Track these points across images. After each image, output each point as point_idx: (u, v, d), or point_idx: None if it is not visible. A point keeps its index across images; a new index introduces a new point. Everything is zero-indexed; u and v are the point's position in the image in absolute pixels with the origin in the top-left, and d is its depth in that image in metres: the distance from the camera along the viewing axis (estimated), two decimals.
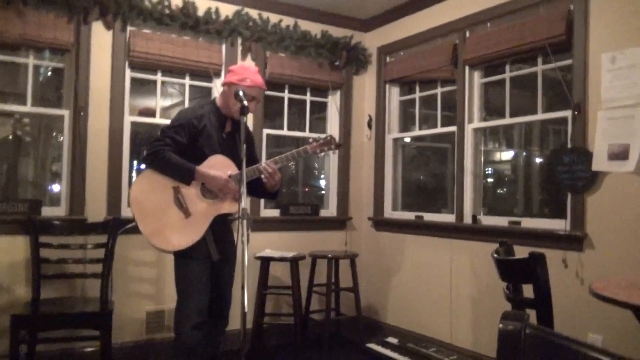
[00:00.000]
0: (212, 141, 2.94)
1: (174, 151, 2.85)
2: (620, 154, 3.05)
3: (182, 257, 2.91)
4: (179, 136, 2.86)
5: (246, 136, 2.69)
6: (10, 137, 4.01)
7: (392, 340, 3.55)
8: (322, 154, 3.08)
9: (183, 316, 2.86)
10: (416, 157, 5.24)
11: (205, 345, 2.91)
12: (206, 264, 2.92)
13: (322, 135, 3.08)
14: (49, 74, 4.18)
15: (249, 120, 3.76)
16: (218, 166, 2.90)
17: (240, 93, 2.73)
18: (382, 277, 4.82)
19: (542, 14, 3.54)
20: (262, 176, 2.98)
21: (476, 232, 3.95)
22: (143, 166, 3.05)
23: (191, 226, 2.87)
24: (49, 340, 3.44)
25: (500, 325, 0.94)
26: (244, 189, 2.41)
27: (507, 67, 3.89)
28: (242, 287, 2.19)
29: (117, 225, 3.67)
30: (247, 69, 3.03)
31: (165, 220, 2.85)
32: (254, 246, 4.26)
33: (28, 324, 3.24)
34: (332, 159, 5.01)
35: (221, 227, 3.00)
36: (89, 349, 3.73)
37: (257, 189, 3.10)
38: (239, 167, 2.75)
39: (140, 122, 4.20)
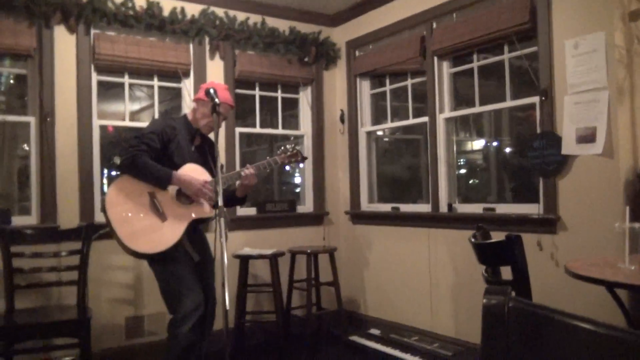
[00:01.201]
0: (182, 151, 3.04)
1: (149, 157, 2.89)
2: (587, 137, 3.12)
3: (164, 261, 2.91)
4: (153, 143, 2.93)
5: (212, 149, 2.88)
6: None
7: (375, 331, 3.58)
8: (290, 166, 3.21)
9: (180, 317, 2.84)
10: (390, 150, 5.27)
11: (199, 345, 2.94)
12: (190, 264, 2.96)
13: (289, 147, 3.25)
14: (12, 81, 4.08)
15: None
16: (193, 173, 2.98)
17: (212, 91, 2.72)
18: (362, 270, 4.85)
19: (506, 3, 3.59)
20: (243, 173, 3.07)
21: (452, 221, 4.00)
22: (115, 173, 3.07)
23: (168, 230, 2.90)
24: (27, 351, 3.35)
25: (484, 300, 0.96)
26: (220, 189, 2.40)
27: (475, 57, 3.94)
28: (223, 286, 2.17)
29: (91, 231, 3.62)
30: (216, 86, 3.09)
31: (142, 224, 2.86)
32: (232, 245, 4.24)
33: (3, 335, 3.17)
34: (307, 154, 5.00)
35: (196, 232, 3.09)
36: (68, 358, 3.66)
37: (225, 196, 3.14)
38: (212, 176, 3.00)
39: (113, 125, 4.13)
